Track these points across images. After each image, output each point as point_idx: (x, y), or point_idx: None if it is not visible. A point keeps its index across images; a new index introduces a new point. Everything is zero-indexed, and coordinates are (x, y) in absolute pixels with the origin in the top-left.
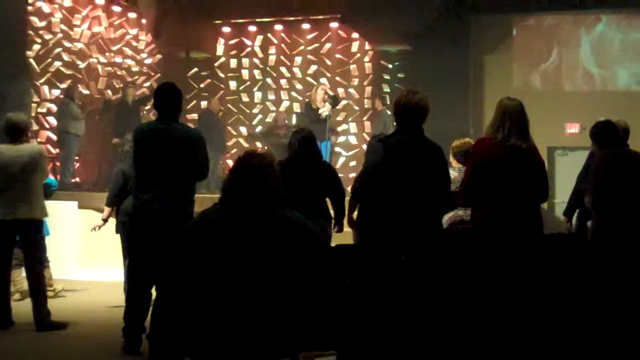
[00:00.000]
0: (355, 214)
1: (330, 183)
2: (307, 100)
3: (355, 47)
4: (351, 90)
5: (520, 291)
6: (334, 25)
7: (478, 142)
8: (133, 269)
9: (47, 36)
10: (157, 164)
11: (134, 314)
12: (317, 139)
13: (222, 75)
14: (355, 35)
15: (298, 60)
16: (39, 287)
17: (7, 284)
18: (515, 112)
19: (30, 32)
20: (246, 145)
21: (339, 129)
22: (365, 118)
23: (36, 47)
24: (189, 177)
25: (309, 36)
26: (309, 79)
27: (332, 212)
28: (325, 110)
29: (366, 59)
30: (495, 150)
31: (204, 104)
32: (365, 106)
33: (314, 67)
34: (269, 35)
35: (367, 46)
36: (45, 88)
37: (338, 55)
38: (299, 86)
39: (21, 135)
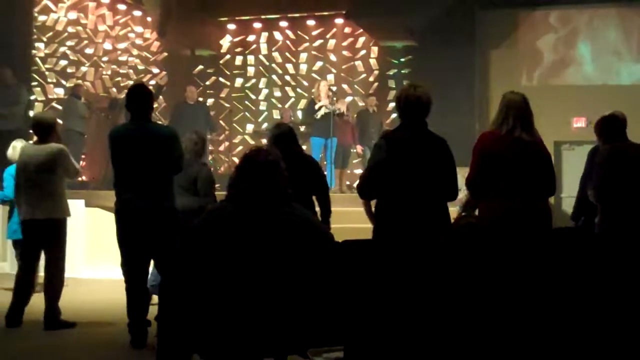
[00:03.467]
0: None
1: (310, 179)
2: (312, 97)
3: (360, 43)
4: (356, 87)
5: (527, 285)
6: (339, 21)
7: (482, 135)
8: (127, 266)
9: (52, 34)
10: (134, 162)
11: (135, 309)
12: (322, 137)
13: (227, 72)
14: (360, 31)
15: (303, 56)
16: (53, 287)
17: (30, 284)
18: (518, 105)
19: (36, 30)
20: (252, 142)
21: None
22: None
23: (42, 45)
24: (166, 173)
25: (314, 32)
26: (314, 75)
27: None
28: (323, 103)
29: (371, 55)
30: (499, 143)
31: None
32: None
33: (319, 64)
34: (274, 32)
35: (372, 42)
36: (51, 87)
37: (343, 52)
38: (304, 83)
39: (46, 134)
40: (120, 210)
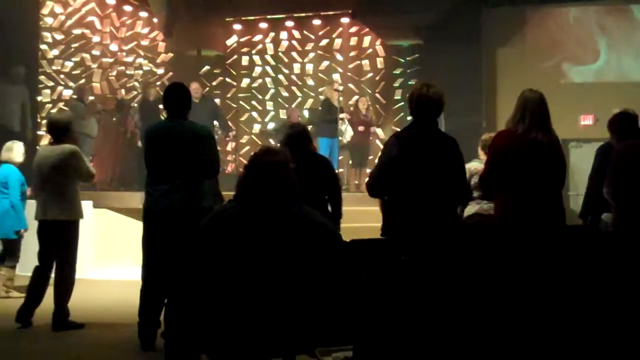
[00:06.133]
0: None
1: (324, 180)
2: (325, 97)
3: (366, 42)
4: (363, 86)
5: (536, 284)
6: (345, 20)
7: (498, 134)
8: (148, 265)
9: (59, 36)
10: (168, 160)
11: (149, 310)
12: (329, 137)
13: (234, 72)
14: (366, 30)
15: (310, 56)
16: (63, 288)
17: (45, 284)
18: (536, 104)
19: (43, 32)
20: (259, 142)
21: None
22: None
23: (49, 47)
24: (200, 173)
25: (320, 32)
26: (320, 75)
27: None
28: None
29: (378, 54)
30: (515, 143)
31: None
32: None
33: (325, 63)
34: (280, 31)
35: (378, 41)
36: (59, 88)
37: (350, 51)
38: (310, 82)
39: (60, 134)
40: (150, 208)
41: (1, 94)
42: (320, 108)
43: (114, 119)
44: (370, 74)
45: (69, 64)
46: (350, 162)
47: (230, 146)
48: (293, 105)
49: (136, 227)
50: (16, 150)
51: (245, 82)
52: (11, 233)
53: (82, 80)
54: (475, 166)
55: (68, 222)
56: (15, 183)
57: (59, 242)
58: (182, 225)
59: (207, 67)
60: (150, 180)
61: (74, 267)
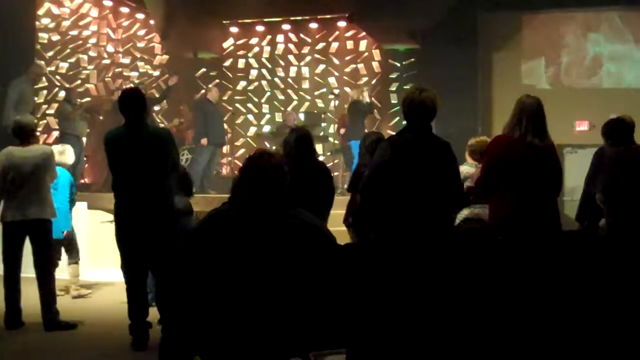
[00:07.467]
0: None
1: (323, 183)
2: (353, 99)
3: (363, 45)
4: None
5: (530, 288)
6: (341, 24)
7: (495, 139)
8: (127, 267)
9: (56, 37)
10: (131, 165)
11: (136, 311)
12: (360, 135)
13: (230, 75)
14: (363, 34)
15: (306, 59)
16: (47, 287)
17: (17, 285)
18: (533, 109)
19: (39, 33)
20: (254, 145)
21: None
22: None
23: (45, 48)
24: (163, 174)
25: (317, 35)
26: (317, 78)
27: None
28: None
29: (374, 57)
30: (512, 148)
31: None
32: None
33: (321, 67)
34: (277, 35)
35: (375, 45)
36: (55, 89)
37: (346, 55)
38: (306, 85)
39: (30, 136)
40: (120, 212)
41: (24, 96)
42: (351, 111)
43: (100, 117)
44: (366, 78)
45: (64, 65)
46: (345, 165)
47: (225, 149)
48: (289, 109)
49: None
50: (68, 153)
51: (241, 84)
52: (59, 234)
53: (78, 82)
54: (466, 169)
55: (47, 221)
56: (65, 185)
57: (39, 241)
58: (152, 227)
59: (203, 70)
60: (117, 185)
61: (52, 264)
